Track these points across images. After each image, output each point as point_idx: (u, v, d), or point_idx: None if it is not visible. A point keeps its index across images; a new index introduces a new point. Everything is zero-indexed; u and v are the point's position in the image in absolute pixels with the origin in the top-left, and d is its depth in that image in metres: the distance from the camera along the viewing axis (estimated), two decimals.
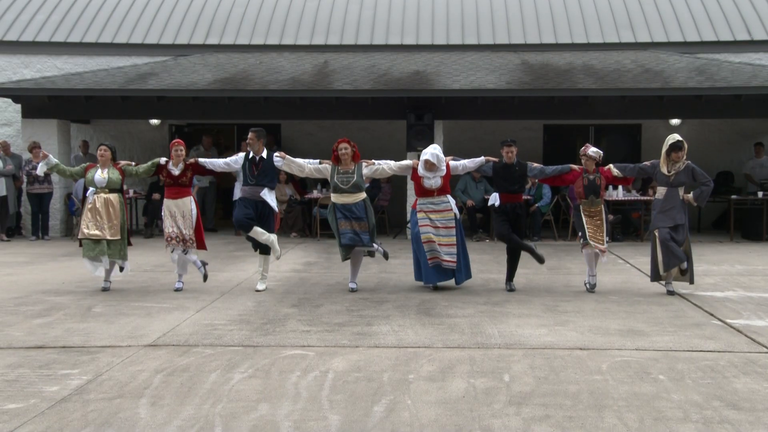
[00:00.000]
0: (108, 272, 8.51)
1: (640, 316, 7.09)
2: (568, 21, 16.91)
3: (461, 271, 8.50)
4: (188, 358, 5.65)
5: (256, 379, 5.11)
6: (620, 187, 13.42)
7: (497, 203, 8.49)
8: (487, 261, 10.23)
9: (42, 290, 8.51)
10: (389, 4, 17.62)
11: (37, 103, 14.17)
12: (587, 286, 8.40)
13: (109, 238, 8.32)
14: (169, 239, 8.46)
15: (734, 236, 13.70)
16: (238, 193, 13.46)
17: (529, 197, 13.78)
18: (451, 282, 8.54)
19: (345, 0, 17.66)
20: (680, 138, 8.16)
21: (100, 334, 6.42)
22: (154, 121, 16.01)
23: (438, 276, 8.42)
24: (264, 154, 8.45)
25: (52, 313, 7.27)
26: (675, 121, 15.43)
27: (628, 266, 10.32)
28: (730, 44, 16.04)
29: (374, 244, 8.46)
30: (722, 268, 10.20)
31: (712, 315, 7.16)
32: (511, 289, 8.45)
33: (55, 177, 13.70)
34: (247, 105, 13.94)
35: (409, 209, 8.49)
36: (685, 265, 8.06)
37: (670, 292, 8.15)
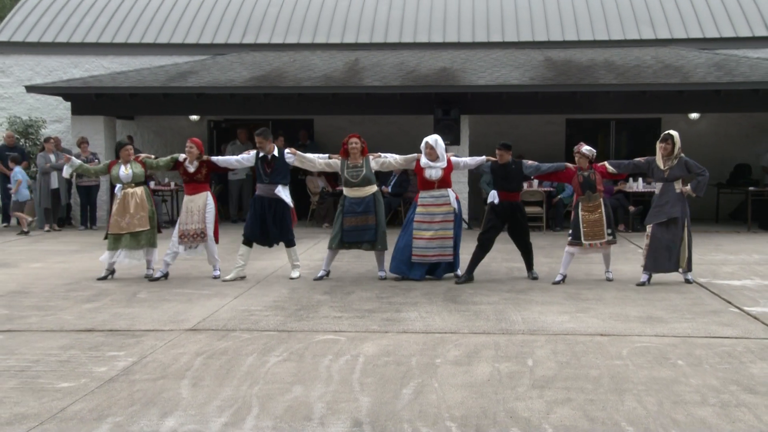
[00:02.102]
0: (149, 261, 8.57)
1: (659, 304, 7.02)
2: (590, 18, 16.72)
3: (451, 263, 8.38)
4: (227, 342, 5.70)
5: (290, 362, 5.15)
6: (640, 180, 13.28)
7: (496, 201, 8.38)
8: (511, 250, 10.14)
9: (90, 277, 8.64)
10: (417, 3, 17.55)
11: (85, 100, 14.35)
12: (557, 280, 8.21)
13: (138, 229, 8.36)
14: (182, 236, 8.40)
15: (751, 226, 13.47)
16: None
17: (551, 189, 13.69)
18: (477, 271, 8.47)
19: (375, 0, 17.64)
20: (670, 132, 8.02)
21: (145, 318, 6.51)
22: (194, 117, 16.13)
23: (411, 271, 8.29)
24: (276, 152, 8.38)
25: (100, 299, 7.38)
26: (694, 116, 15.21)
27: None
28: (749, 40, 15.75)
29: (382, 273, 8.46)
30: (739, 257, 10.06)
31: (729, 302, 7.07)
32: (534, 278, 8.41)
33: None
34: (282, 101, 13.99)
35: None
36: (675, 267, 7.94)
37: (642, 283, 8.02)
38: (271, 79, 13.94)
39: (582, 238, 8.19)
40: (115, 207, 8.48)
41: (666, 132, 8.06)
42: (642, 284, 7.94)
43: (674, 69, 13.76)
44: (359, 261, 9.61)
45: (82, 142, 13.67)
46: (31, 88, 14.62)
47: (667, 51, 15.45)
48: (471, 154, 13.81)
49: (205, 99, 14.02)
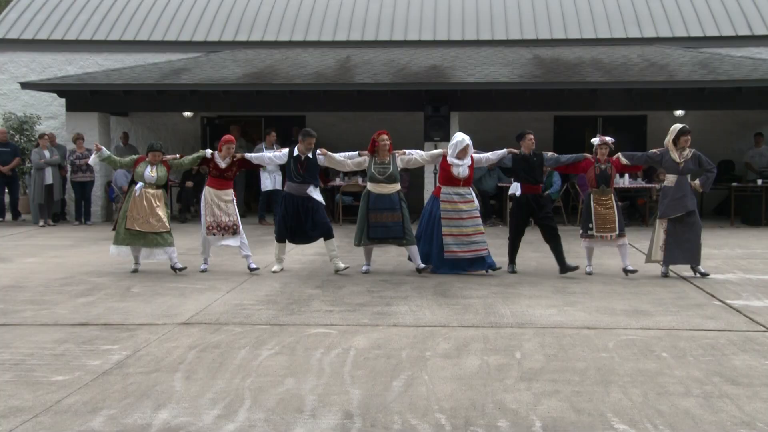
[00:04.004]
0: (172, 258, 8.44)
1: (645, 297, 7.05)
2: (578, 17, 16.75)
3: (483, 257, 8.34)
4: (219, 335, 5.69)
5: (282, 355, 5.14)
6: (626, 175, 13.33)
7: (518, 193, 8.42)
8: (499, 245, 10.17)
9: (85, 271, 8.60)
10: (408, 1, 17.53)
11: (79, 97, 14.27)
12: (587, 271, 8.36)
13: (158, 231, 8.31)
14: (210, 228, 8.45)
15: (734, 222, 13.55)
16: (266, 183, 13.49)
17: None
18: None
19: None
20: (685, 125, 8.15)
21: (138, 312, 6.48)
22: (187, 114, 16.06)
23: (449, 268, 8.29)
24: (309, 154, 8.37)
25: (94, 293, 7.34)
26: (679, 113, 15.24)
27: (634, 250, 10.23)
28: (732, 39, 15.82)
29: (421, 264, 8.25)
30: (723, 251, 10.10)
31: (713, 296, 7.10)
32: (574, 268, 8.19)
33: (96, 166, 13.84)
34: (274, 98, 13.96)
35: (426, 196, 8.44)
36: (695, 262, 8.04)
37: (664, 274, 8.10)
38: (264, 77, 13.89)
39: (594, 231, 8.22)
40: (131, 203, 8.40)
41: (683, 125, 8.16)
42: (665, 275, 8.07)
43: (660, 67, 13.80)
44: (351, 256, 9.59)
45: (78, 139, 13.60)
46: (25, 85, 14.53)
47: (653, 49, 15.48)
48: None
49: (199, 96, 13.97)
